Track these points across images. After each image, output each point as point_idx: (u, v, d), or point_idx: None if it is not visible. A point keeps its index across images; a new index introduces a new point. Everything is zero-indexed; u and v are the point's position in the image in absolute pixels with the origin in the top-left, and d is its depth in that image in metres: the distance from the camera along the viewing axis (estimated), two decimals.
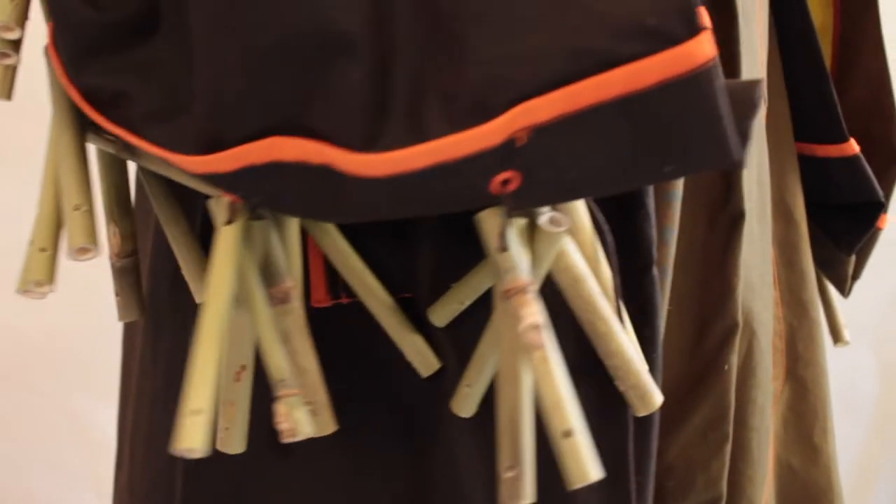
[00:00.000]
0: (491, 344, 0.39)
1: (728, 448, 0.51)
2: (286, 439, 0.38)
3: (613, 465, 0.41)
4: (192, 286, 0.44)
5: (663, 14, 0.29)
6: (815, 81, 0.60)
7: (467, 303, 0.40)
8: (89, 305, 0.92)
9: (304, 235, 0.43)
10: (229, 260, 0.37)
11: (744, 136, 0.31)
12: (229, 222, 0.37)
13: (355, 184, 0.33)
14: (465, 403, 0.41)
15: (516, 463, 0.35)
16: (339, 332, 0.44)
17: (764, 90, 0.49)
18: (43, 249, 0.42)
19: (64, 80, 0.39)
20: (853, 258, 0.67)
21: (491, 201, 0.33)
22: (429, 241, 0.42)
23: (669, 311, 0.50)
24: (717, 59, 0.29)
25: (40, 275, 0.41)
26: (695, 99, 0.29)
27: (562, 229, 0.35)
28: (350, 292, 0.43)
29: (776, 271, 0.61)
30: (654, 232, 0.41)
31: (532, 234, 0.36)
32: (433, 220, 0.41)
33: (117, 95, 0.38)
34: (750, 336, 0.54)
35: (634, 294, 0.41)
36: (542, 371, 0.34)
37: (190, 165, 0.36)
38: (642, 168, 0.31)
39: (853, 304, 1.46)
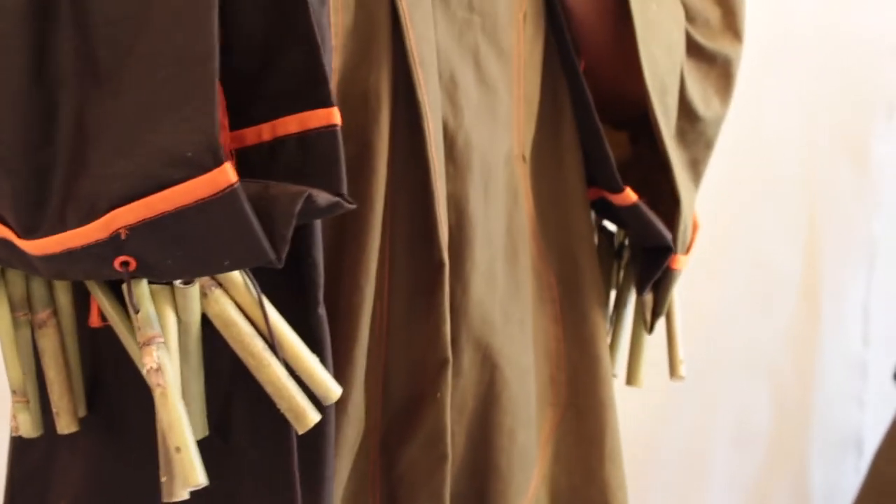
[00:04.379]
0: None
1: (446, 465, 0.58)
2: (13, 433, 0.52)
3: (277, 476, 0.50)
4: None
5: (196, 148, 0.42)
6: (591, 136, 0.66)
7: None
8: None
9: None
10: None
11: (282, 240, 0.44)
12: None
13: (27, 255, 0.46)
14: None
15: (167, 471, 0.47)
16: (112, 346, 0.53)
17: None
18: None
19: None
20: (650, 296, 0.72)
21: (119, 276, 0.45)
22: None
23: (396, 342, 0.58)
24: (239, 185, 0.42)
25: None
26: (225, 213, 0.43)
27: (189, 287, 0.46)
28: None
29: (558, 310, 0.68)
30: (319, 279, 0.49)
31: (173, 293, 0.48)
32: None
33: None
34: (491, 368, 0.61)
35: (306, 330, 0.49)
36: (161, 402, 0.46)
37: None
38: (209, 261, 0.45)
39: (746, 339, 1.50)
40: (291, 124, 0.46)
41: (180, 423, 0.45)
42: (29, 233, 0.45)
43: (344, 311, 0.54)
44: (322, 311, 0.50)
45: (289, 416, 0.49)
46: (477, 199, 0.59)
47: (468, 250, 0.59)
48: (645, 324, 0.74)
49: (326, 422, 0.50)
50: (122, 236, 0.43)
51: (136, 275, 0.45)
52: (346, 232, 0.54)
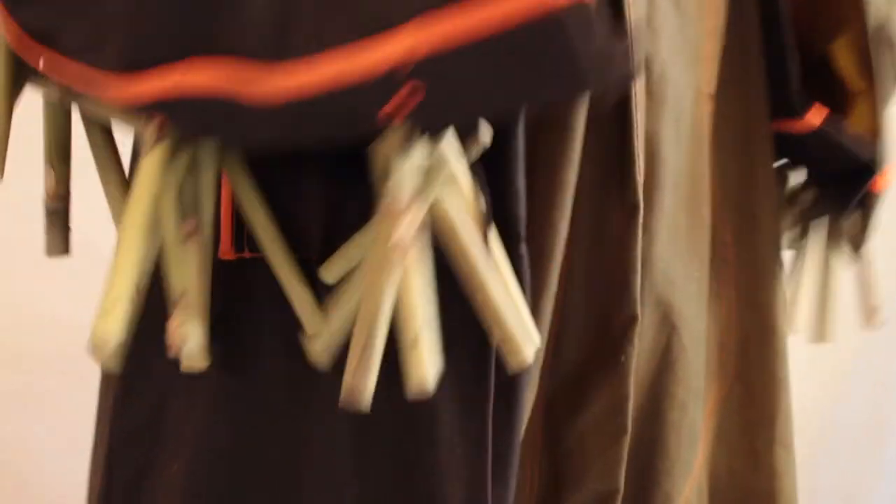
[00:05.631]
0: (355, 287, 0.40)
1: (625, 440, 0.51)
2: (174, 350, 0.41)
3: (472, 430, 0.42)
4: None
5: None
6: (777, 52, 0.59)
7: (356, 261, 0.41)
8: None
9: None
10: (150, 177, 0.41)
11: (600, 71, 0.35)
12: (153, 145, 0.41)
13: (246, 107, 0.36)
14: (324, 350, 0.42)
15: (362, 368, 0.38)
16: (241, 287, 0.45)
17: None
18: None
19: (3, 14, 0.44)
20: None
21: (385, 123, 0.35)
22: (324, 202, 0.43)
23: (573, 298, 0.50)
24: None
25: None
26: (557, 34, 0.33)
27: (449, 164, 0.37)
28: (253, 247, 0.45)
29: (734, 272, 0.61)
30: (522, 211, 0.42)
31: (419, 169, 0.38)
32: (331, 181, 0.43)
33: (53, 30, 0.42)
34: (669, 330, 0.53)
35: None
36: (406, 281, 0.37)
37: (115, 89, 0.39)
38: (519, 89, 0.35)
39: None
40: None
41: (422, 309, 0.37)
42: (278, 52, 0.35)
43: (533, 255, 0.46)
44: (524, 248, 0.43)
45: (505, 347, 0.41)
46: (669, 139, 0.52)
47: (658, 195, 0.52)
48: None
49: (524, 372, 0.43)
50: (420, 53, 0.33)
51: (417, 114, 0.35)
52: (538, 158, 0.46)
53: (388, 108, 0.35)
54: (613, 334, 0.50)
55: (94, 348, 0.39)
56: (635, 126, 0.49)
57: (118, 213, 0.49)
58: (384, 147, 0.38)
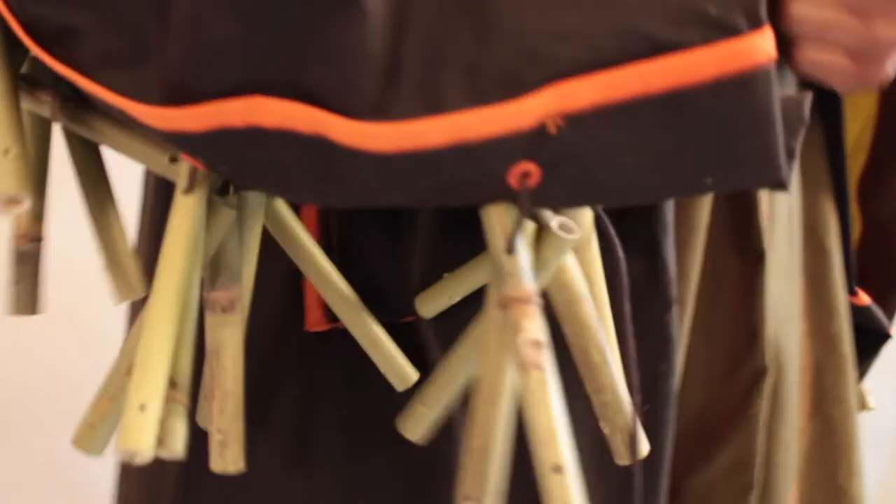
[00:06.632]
0: (464, 358, 0.34)
1: (752, 496, 0.48)
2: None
3: None
4: (114, 283, 0.38)
5: (725, 3, 0.27)
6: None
7: (457, 298, 0.37)
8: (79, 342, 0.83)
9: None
10: (185, 235, 0.31)
11: (790, 155, 0.29)
12: (188, 191, 0.32)
13: (352, 159, 0.28)
14: (417, 425, 0.36)
15: (481, 494, 0.31)
16: (337, 358, 0.41)
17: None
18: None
19: (2, 7, 0.34)
20: None
21: (502, 196, 0.29)
22: (425, 247, 0.38)
23: (695, 346, 0.47)
24: (775, 63, 0.27)
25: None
26: (750, 101, 0.27)
27: (573, 236, 0.31)
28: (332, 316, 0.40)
29: (805, 302, 0.58)
30: (673, 273, 0.39)
31: (537, 238, 0.32)
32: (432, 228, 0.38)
33: (66, 30, 0.32)
34: (778, 372, 0.50)
35: (655, 328, 0.39)
36: (539, 394, 0.29)
37: (151, 119, 0.30)
38: (681, 176, 0.29)
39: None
40: None
41: (562, 430, 0.29)
42: (374, 112, 0.28)
43: None
44: (676, 310, 0.40)
45: (616, 438, 0.36)
46: None
47: (774, 235, 0.49)
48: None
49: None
50: (552, 129, 0.27)
51: (533, 196, 0.28)
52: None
53: (514, 174, 0.28)
54: (741, 387, 0.48)
55: (126, 456, 0.30)
56: None
57: (111, 259, 0.39)
58: (501, 213, 0.30)
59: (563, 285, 0.32)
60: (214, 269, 0.34)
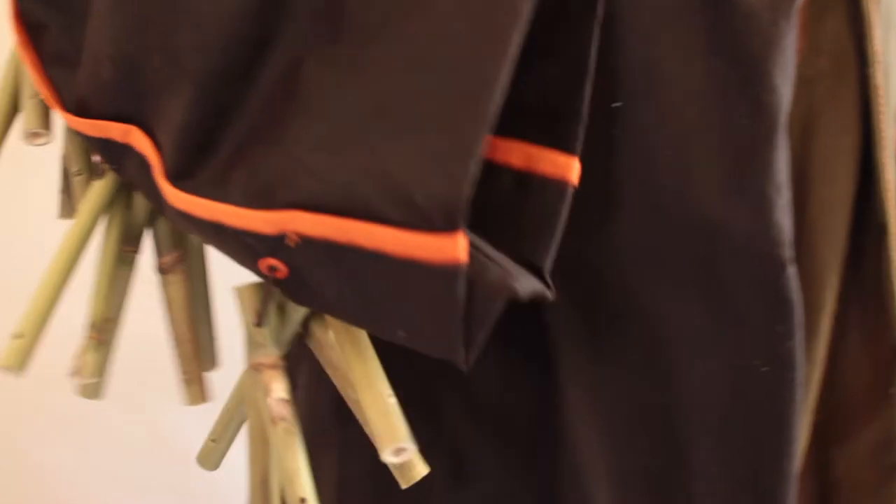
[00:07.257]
0: (236, 403, 0.40)
1: None
2: (71, 377, 0.41)
3: None
4: None
5: (430, 192, 0.29)
6: None
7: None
8: None
9: None
10: (88, 210, 0.41)
11: (470, 343, 0.30)
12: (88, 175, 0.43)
13: (160, 195, 0.37)
14: (211, 457, 0.42)
15: None
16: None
17: None
18: None
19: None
20: None
21: (261, 276, 0.35)
22: None
23: (847, 318, 0.47)
24: (465, 266, 0.29)
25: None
26: (432, 289, 0.30)
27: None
28: None
29: None
30: (790, 223, 0.37)
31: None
32: None
33: (40, 25, 0.41)
34: None
35: (769, 289, 0.37)
36: (286, 442, 0.36)
37: (67, 118, 0.40)
38: (381, 321, 0.33)
39: None
40: (515, 154, 0.34)
41: (306, 469, 0.36)
42: (178, 178, 0.35)
43: (804, 276, 0.42)
44: (792, 269, 0.38)
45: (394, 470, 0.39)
46: None
47: None
48: None
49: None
50: (291, 243, 0.32)
51: (282, 286, 0.34)
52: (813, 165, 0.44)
53: (265, 264, 0.34)
54: (879, 364, 0.47)
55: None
56: (881, 134, 0.44)
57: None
58: (250, 292, 0.37)
59: (318, 342, 0.38)
60: (156, 241, 0.44)
